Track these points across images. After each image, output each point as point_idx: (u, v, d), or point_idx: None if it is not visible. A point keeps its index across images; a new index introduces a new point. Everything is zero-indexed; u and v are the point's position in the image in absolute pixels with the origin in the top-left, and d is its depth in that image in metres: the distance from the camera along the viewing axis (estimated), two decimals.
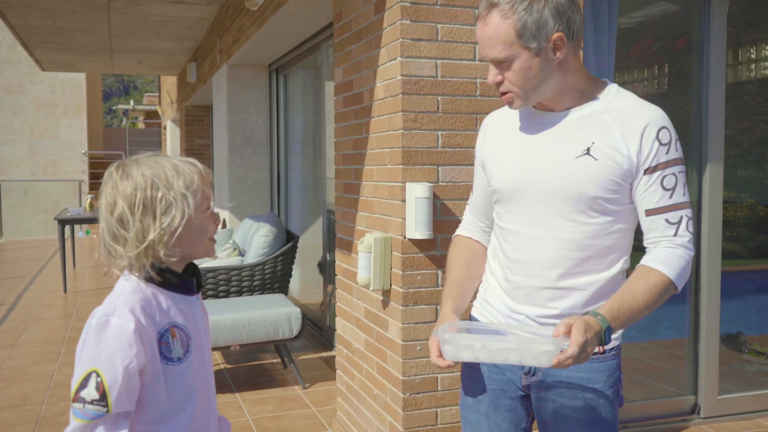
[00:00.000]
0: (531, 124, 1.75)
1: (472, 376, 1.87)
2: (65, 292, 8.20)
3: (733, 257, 4.16)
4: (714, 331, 3.95)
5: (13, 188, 15.62)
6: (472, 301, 1.92)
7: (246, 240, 5.68)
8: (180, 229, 1.45)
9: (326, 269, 5.85)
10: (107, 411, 1.37)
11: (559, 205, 1.66)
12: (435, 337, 1.63)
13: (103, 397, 1.37)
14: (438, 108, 2.94)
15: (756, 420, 3.96)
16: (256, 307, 4.56)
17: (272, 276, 5.25)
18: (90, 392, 1.37)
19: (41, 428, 3.94)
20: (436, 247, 2.96)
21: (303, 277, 6.82)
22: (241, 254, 5.57)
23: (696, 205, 3.90)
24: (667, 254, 1.62)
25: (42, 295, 8.08)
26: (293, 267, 5.53)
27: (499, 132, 1.83)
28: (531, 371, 1.76)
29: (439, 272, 2.95)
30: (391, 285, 3.03)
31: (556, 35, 1.60)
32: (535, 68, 1.62)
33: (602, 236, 1.66)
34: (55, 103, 16.13)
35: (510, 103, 1.69)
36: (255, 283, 5.19)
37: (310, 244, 6.45)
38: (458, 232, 2.02)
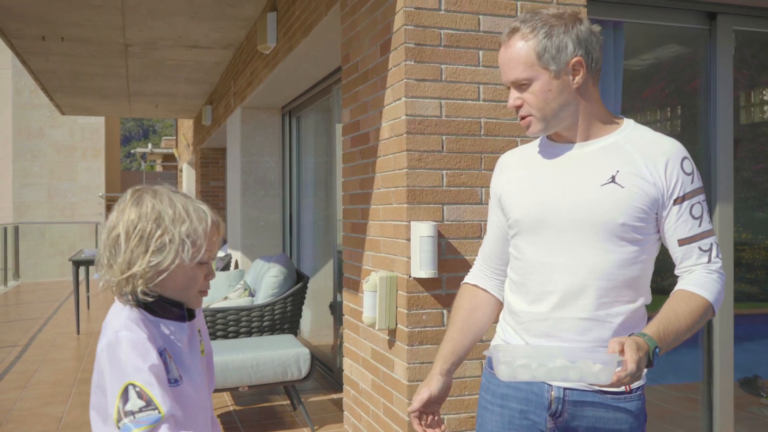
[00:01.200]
0: (551, 156, 1.77)
1: (490, 419, 1.82)
2: (78, 333, 8.21)
3: (751, 300, 4.09)
4: (728, 374, 3.87)
5: (30, 231, 15.80)
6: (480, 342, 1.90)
7: (257, 281, 5.68)
8: (167, 273, 1.46)
9: (337, 310, 5.83)
10: (160, 413, 1.36)
11: (586, 233, 1.66)
12: (412, 412, 1.75)
13: (149, 402, 1.36)
14: (443, 147, 2.95)
15: None
16: (264, 348, 4.54)
17: (282, 316, 5.24)
18: (135, 403, 1.36)
19: None
20: (441, 286, 2.94)
21: (314, 319, 6.80)
22: (252, 295, 5.57)
23: None
24: (705, 279, 1.64)
25: (55, 337, 8.10)
26: (304, 308, 5.52)
27: (516, 167, 1.85)
28: (558, 413, 1.71)
29: (445, 311, 2.94)
30: (396, 324, 3.01)
31: (575, 59, 1.64)
32: (555, 91, 1.65)
33: (629, 266, 1.66)
34: (74, 147, 16.39)
35: (528, 127, 1.71)
36: (265, 324, 5.17)
37: (322, 285, 6.44)
38: (465, 280, 2.01)
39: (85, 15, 6.07)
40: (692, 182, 1.65)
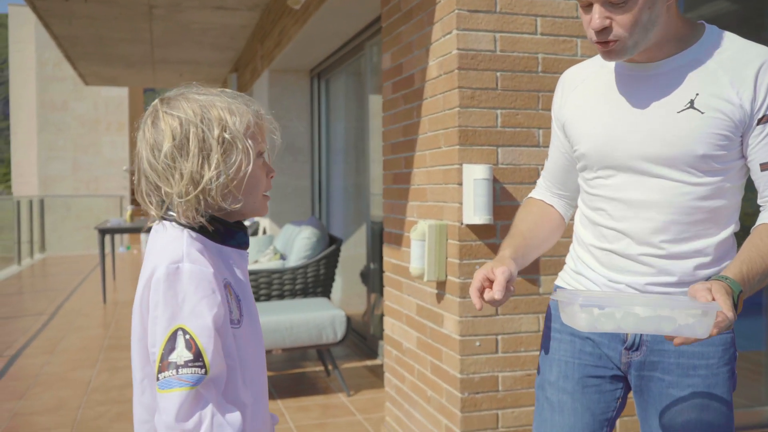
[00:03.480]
0: (620, 79, 1.53)
1: (558, 349, 1.63)
2: (105, 302, 8.11)
3: None
4: None
5: (56, 204, 15.77)
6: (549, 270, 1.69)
7: (287, 245, 5.50)
8: (240, 177, 1.24)
9: (369, 278, 5.64)
10: (206, 373, 1.14)
11: (662, 167, 1.46)
12: (481, 271, 1.47)
13: (198, 357, 1.14)
14: (497, 85, 2.72)
15: None
16: (299, 310, 4.36)
17: (315, 280, 5.06)
18: (181, 353, 1.14)
19: None
20: (495, 235, 2.73)
21: (345, 286, 6.62)
22: (283, 258, 5.39)
23: None
24: None
25: (81, 306, 8.01)
26: (336, 273, 5.34)
27: (582, 89, 1.61)
28: (635, 346, 1.53)
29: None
30: (446, 276, 2.80)
31: None
32: (652, 8, 1.38)
33: (711, 198, 1.46)
34: (98, 120, 16.31)
35: (611, 53, 1.43)
36: (297, 287, 5.00)
37: (353, 253, 6.25)
38: (531, 195, 1.80)
39: None
40: None
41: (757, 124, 1.41)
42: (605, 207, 1.55)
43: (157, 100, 1.29)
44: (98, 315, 7.40)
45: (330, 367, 4.85)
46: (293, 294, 4.99)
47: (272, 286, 4.95)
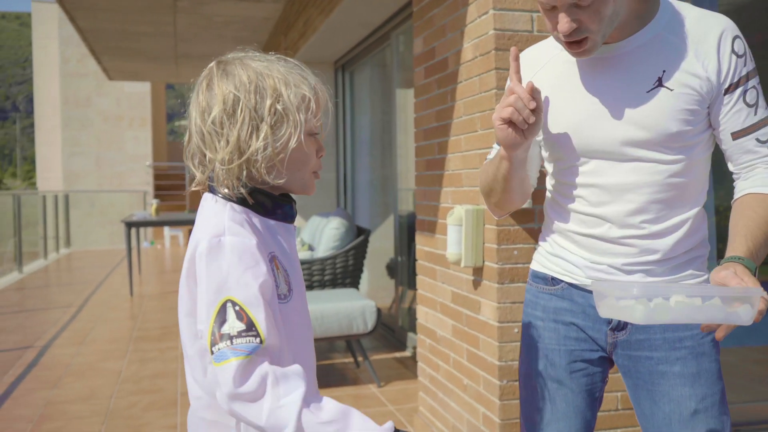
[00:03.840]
0: (583, 62, 1.50)
1: (542, 337, 1.62)
2: (131, 295, 8.16)
3: None
4: None
5: (80, 200, 15.89)
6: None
7: (315, 236, 5.49)
8: (289, 150, 1.20)
9: (397, 271, 5.60)
10: (261, 342, 1.11)
11: (637, 149, 1.45)
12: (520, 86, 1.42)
13: (250, 326, 1.10)
14: None
15: None
16: (328, 301, 4.34)
17: (344, 270, 5.03)
18: (233, 324, 1.10)
19: (109, 421, 3.78)
20: (533, 219, 2.68)
21: (372, 279, 6.59)
22: (311, 249, 5.37)
23: None
24: None
25: (109, 299, 8.05)
26: (363, 265, 5.31)
27: (543, 74, 1.57)
28: (620, 326, 1.53)
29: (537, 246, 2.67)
30: (483, 261, 2.76)
31: None
32: (614, 3, 1.36)
33: (684, 174, 1.47)
34: (120, 116, 16.39)
35: (583, 52, 1.40)
36: (326, 278, 4.97)
37: (379, 246, 6.22)
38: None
39: None
40: (745, 64, 1.43)
41: (725, 94, 1.43)
42: (582, 194, 1.53)
43: (213, 63, 1.26)
44: (125, 307, 7.43)
45: (360, 359, 4.82)
46: (322, 285, 4.97)
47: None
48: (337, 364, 4.90)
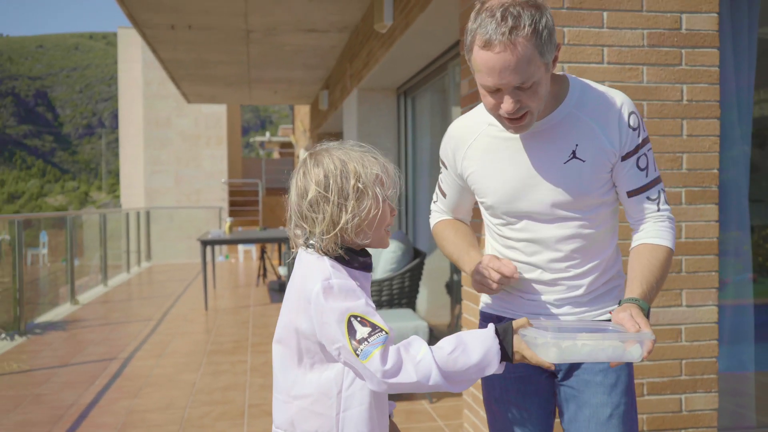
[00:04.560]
0: (509, 137, 1.75)
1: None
2: (206, 309, 8.64)
3: None
4: None
5: (160, 215, 16.74)
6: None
7: (374, 258, 5.79)
8: (370, 218, 1.53)
9: (453, 290, 5.85)
10: (386, 333, 1.43)
11: (560, 210, 1.73)
12: (490, 263, 1.73)
13: (374, 327, 1.43)
14: None
15: None
16: (384, 321, 4.61)
17: (400, 291, 5.32)
18: (362, 331, 1.42)
19: (184, 429, 4.16)
20: None
21: (430, 298, 6.85)
22: None
23: None
24: (660, 228, 1.75)
25: (186, 312, 8.56)
26: (420, 285, 5.57)
27: (476, 147, 1.82)
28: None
29: None
30: None
31: (557, 45, 1.60)
32: (547, 82, 1.62)
33: (601, 224, 1.77)
34: (198, 135, 17.20)
35: (523, 127, 1.65)
36: (383, 299, 5.27)
37: (437, 265, 6.48)
38: (437, 220, 2.02)
39: (211, 3, 6.35)
40: (638, 135, 1.72)
41: (622, 160, 1.71)
42: (516, 246, 1.81)
43: (306, 155, 1.61)
44: (201, 321, 7.91)
45: None
46: (379, 305, 5.27)
47: None
48: None
